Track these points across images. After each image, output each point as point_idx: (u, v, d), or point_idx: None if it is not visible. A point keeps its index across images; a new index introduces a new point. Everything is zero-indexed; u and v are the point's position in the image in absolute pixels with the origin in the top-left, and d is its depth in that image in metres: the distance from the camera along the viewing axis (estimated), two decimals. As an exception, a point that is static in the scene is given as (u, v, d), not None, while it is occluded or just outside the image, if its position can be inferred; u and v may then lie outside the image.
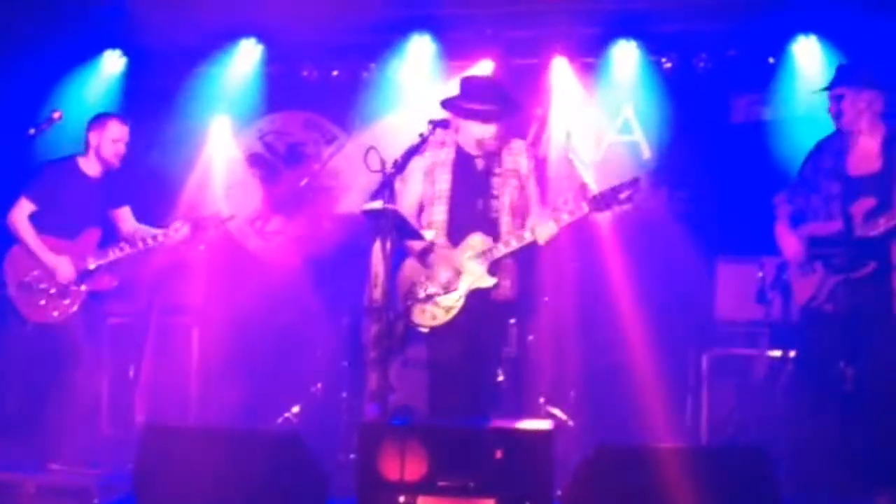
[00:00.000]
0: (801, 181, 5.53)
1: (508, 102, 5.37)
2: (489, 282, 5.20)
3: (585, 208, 5.11)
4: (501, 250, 5.19)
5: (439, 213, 5.34)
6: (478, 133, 5.26)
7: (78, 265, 5.98)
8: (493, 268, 5.22)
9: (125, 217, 6.22)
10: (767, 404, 6.20)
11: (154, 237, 6.11)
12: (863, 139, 5.31)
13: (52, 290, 5.96)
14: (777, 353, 6.31)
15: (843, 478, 5.10)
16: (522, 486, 4.25)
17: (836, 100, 5.34)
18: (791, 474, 5.08)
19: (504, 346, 5.84)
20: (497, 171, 5.29)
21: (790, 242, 5.45)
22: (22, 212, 5.99)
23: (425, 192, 5.36)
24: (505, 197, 5.27)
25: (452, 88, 5.60)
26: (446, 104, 5.29)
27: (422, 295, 5.24)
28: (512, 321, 6.11)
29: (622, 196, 5.09)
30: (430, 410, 5.41)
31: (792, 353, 6.13)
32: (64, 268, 5.95)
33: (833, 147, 5.40)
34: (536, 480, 4.27)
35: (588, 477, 4.25)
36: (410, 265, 5.32)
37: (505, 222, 5.26)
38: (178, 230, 6.12)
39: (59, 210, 6.01)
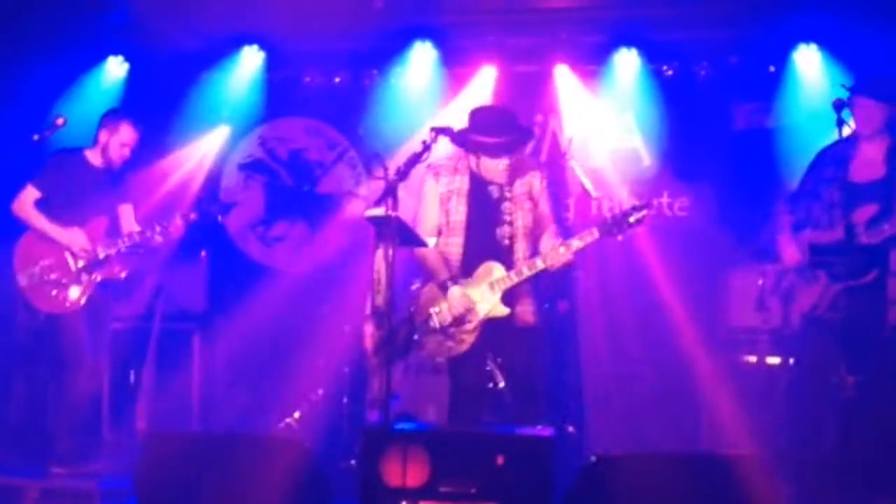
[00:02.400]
0: (802, 191, 5.55)
1: (519, 132, 5.30)
2: (503, 311, 5.18)
3: (596, 234, 5.05)
4: (514, 279, 5.15)
5: (455, 245, 5.30)
6: (490, 165, 5.24)
7: (89, 251, 6.00)
8: (508, 296, 5.19)
9: (127, 215, 6.23)
10: (768, 411, 6.21)
11: (153, 231, 6.07)
12: (868, 147, 5.32)
13: (63, 280, 5.97)
14: (777, 360, 6.31)
15: (844, 485, 5.11)
16: (523, 492, 4.27)
17: (852, 105, 5.34)
18: (792, 481, 5.09)
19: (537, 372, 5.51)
20: (509, 195, 5.25)
21: (791, 251, 5.47)
22: (27, 198, 6.00)
23: (440, 220, 5.33)
24: (518, 222, 5.23)
25: (457, 115, 5.54)
26: (456, 138, 5.22)
27: (436, 326, 5.23)
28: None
29: (633, 220, 5.02)
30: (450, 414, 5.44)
31: (791, 361, 6.15)
32: (79, 239, 5.97)
33: (835, 156, 5.42)
34: (537, 487, 4.28)
35: (588, 484, 4.26)
36: (429, 292, 5.29)
37: (519, 248, 5.22)
38: (177, 224, 6.10)
39: (66, 198, 6.02)
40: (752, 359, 6.48)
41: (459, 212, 5.30)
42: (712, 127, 7.49)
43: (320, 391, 7.04)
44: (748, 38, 7.29)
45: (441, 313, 5.22)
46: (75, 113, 6.36)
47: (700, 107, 7.47)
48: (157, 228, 6.08)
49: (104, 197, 6.12)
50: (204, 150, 8.06)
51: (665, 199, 7.62)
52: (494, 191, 5.28)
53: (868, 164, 5.30)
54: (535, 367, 5.31)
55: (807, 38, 7.17)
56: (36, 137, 5.93)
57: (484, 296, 5.19)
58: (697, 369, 6.71)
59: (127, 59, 7.91)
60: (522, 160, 5.37)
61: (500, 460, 4.29)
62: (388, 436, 4.38)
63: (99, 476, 5.77)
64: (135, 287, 6.91)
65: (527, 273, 5.13)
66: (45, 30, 7.25)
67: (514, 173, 5.27)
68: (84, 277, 5.99)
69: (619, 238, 5.04)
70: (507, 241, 5.22)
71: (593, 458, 4.30)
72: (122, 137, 6.12)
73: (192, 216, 6.18)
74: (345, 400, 6.79)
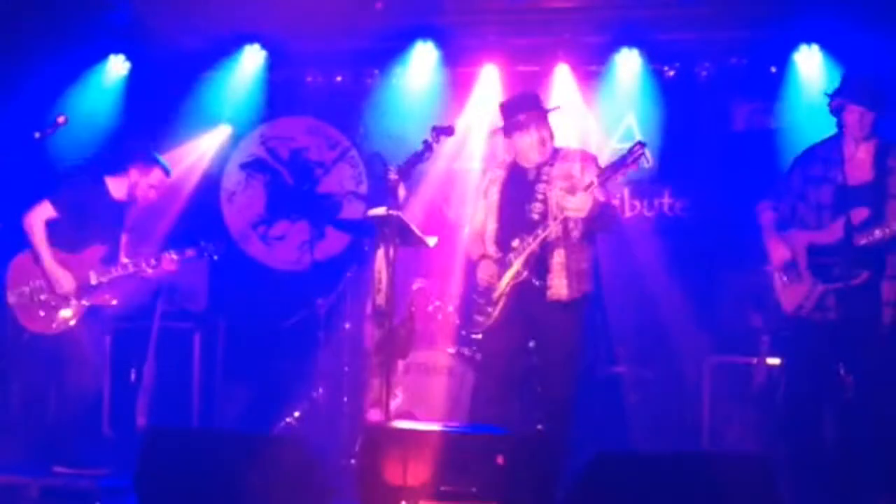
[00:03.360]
0: (786, 188, 5.53)
1: (541, 108, 5.46)
2: (523, 273, 5.24)
3: (597, 171, 5.18)
4: (537, 237, 5.21)
5: (491, 224, 5.47)
6: (524, 145, 5.38)
7: (80, 279, 6.00)
8: (540, 269, 5.25)
9: (125, 243, 6.28)
10: (766, 411, 6.21)
11: (148, 264, 6.10)
12: (857, 149, 5.30)
13: (53, 303, 5.98)
14: (776, 360, 6.32)
15: (842, 485, 5.11)
16: (524, 491, 4.27)
17: (843, 110, 5.34)
18: (791, 481, 5.09)
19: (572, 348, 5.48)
20: (545, 177, 5.35)
21: (778, 250, 5.45)
22: (41, 214, 6.00)
23: (481, 207, 5.54)
24: (551, 200, 5.28)
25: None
26: (496, 132, 5.52)
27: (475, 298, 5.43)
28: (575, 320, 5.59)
29: (630, 160, 5.08)
30: (471, 409, 5.51)
31: (780, 361, 6.16)
32: (65, 282, 5.97)
33: (823, 155, 5.39)
34: (538, 486, 4.28)
35: (589, 483, 4.26)
36: (485, 265, 5.46)
37: (550, 222, 5.27)
38: (171, 261, 6.13)
39: (76, 223, 6.04)
40: (753, 359, 6.47)
41: (493, 192, 5.50)
42: (713, 127, 7.50)
43: (320, 390, 7.05)
44: (749, 38, 7.30)
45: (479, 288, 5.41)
46: (77, 111, 6.38)
47: (701, 107, 7.47)
48: (152, 262, 6.11)
49: (111, 228, 6.16)
50: (203, 148, 8.06)
51: (666, 200, 7.62)
52: (531, 174, 5.42)
53: (858, 166, 5.28)
54: (565, 344, 5.31)
55: (808, 39, 7.17)
56: (37, 135, 5.91)
57: (509, 265, 5.29)
58: (698, 369, 6.72)
59: (128, 57, 7.91)
60: (566, 150, 5.49)
61: (500, 459, 4.29)
62: (389, 435, 4.38)
63: (99, 474, 5.77)
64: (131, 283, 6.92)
65: (550, 229, 5.19)
66: (47, 28, 7.25)
67: (554, 158, 5.39)
68: (73, 302, 6.00)
69: (620, 178, 5.20)
70: (536, 216, 5.29)
71: (593, 458, 4.30)
72: (153, 180, 6.19)
73: (189, 253, 6.19)
74: (345, 399, 6.80)
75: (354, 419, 6.53)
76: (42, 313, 5.98)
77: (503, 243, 5.38)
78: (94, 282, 6.03)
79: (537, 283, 5.25)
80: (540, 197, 5.32)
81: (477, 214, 5.58)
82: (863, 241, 5.12)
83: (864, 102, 5.26)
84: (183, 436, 4.86)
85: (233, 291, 7.81)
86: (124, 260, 6.16)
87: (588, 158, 5.43)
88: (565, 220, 5.22)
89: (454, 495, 4.27)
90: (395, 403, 6.07)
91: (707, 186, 7.39)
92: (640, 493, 4.17)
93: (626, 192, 7.66)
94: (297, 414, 6.98)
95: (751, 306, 6.60)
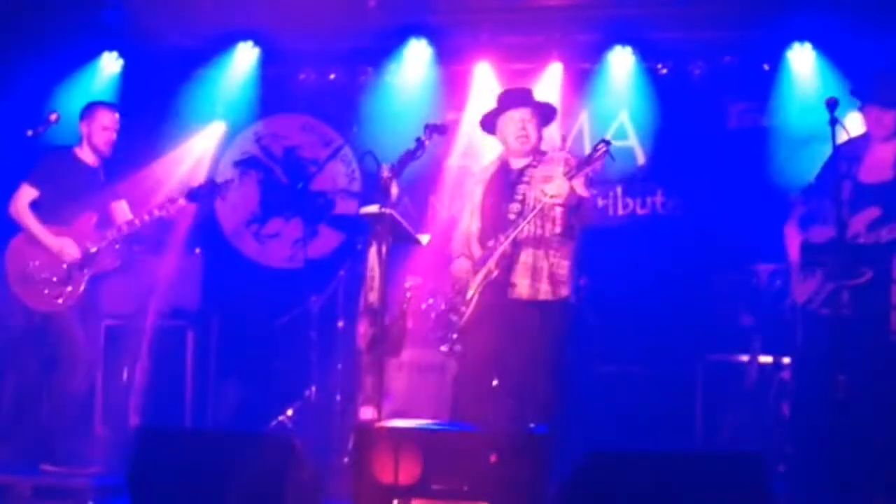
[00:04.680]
0: (818, 184, 5.51)
1: (533, 101, 5.51)
2: (494, 271, 5.25)
3: (575, 164, 5.20)
4: (508, 237, 5.22)
5: (475, 224, 5.53)
6: (511, 130, 5.41)
7: (79, 248, 5.98)
8: (507, 269, 5.26)
9: (121, 211, 6.23)
10: (760, 410, 6.22)
11: (150, 212, 6.07)
12: (880, 148, 5.28)
13: (54, 278, 5.96)
14: (769, 359, 6.32)
15: (839, 484, 5.10)
16: (516, 490, 4.27)
17: (862, 112, 5.34)
18: (786, 480, 5.10)
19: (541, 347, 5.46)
20: (526, 178, 5.37)
21: (795, 244, 5.44)
22: (24, 198, 5.99)
23: (468, 205, 5.59)
24: (529, 200, 5.30)
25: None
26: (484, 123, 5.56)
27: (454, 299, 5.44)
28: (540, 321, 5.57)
29: (595, 157, 5.06)
30: (452, 408, 5.56)
31: (786, 359, 6.15)
32: (69, 248, 5.95)
33: (847, 153, 5.35)
34: (530, 485, 4.28)
35: (581, 482, 4.26)
36: (459, 263, 5.51)
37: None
38: (174, 202, 6.10)
39: (57, 196, 6.01)
40: (745, 357, 6.48)
41: (477, 193, 5.56)
42: (706, 125, 7.50)
43: (313, 388, 7.05)
44: (742, 37, 7.31)
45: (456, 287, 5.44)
46: (69, 109, 6.35)
47: (694, 105, 7.48)
48: (155, 212, 6.07)
49: (94, 194, 6.11)
50: (201, 148, 8.04)
51: (659, 198, 7.63)
52: (514, 174, 5.45)
53: (877, 165, 5.24)
54: (525, 345, 5.27)
55: (801, 38, 7.18)
56: (30, 133, 5.92)
57: (484, 264, 5.31)
58: (691, 368, 6.72)
59: (121, 55, 7.89)
60: (552, 154, 5.52)
61: (492, 458, 4.29)
62: (381, 433, 4.38)
63: (92, 473, 5.76)
64: (129, 281, 6.92)
65: (523, 224, 5.19)
66: (40, 25, 7.23)
67: (536, 162, 5.42)
68: (76, 274, 5.98)
69: (589, 172, 5.16)
70: (513, 216, 5.31)
71: (586, 457, 4.30)
72: (102, 121, 6.11)
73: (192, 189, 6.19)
74: (337, 397, 6.80)
75: (347, 418, 6.53)
76: (46, 291, 5.96)
77: (485, 243, 5.41)
78: (92, 250, 6.00)
79: (503, 279, 5.25)
80: (518, 197, 5.34)
81: (465, 214, 5.64)
82: (866, 241, 5.09)
83: (880, 102, 5.25)
84: (175, 435, 4.85)
85: (226, 289, 7.80)
86: (122, 220, 6.13)
87: (571, 162, 5.39)
88: (543, 218, 5.22)
89: (446, 494, 4.27)
90: (388, 402, 6.07)
91: (700, 185, 7.39)
92: (633, 493, 4.17)
93: (618, 190, 7.67)
94: (289, 412, 6.99)
95: (744, 305, 6.60)
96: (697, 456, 5.23)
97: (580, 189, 5.16)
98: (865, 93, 5.35)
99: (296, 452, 4.45)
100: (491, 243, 5.33)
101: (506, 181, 5.47)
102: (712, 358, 6.68)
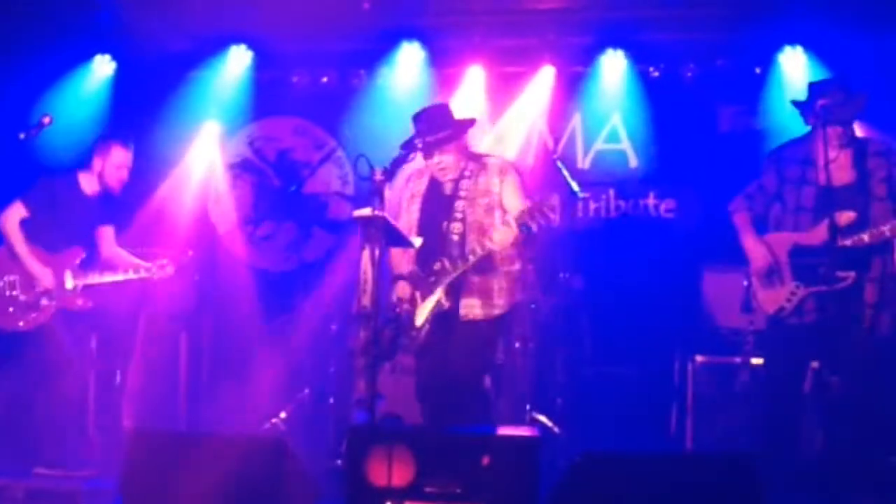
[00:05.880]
0: (760, 189, 5.51)
1: (448, 127, 5.25)
2: (445, 304, 5.17)
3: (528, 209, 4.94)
4: (458, 268, 5.12)
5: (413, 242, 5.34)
6: (433, 165, 5.28)
7: (57, 279, 5.97)
8: (455, 290, 5.18)
9: (107, 237, 6.22)
10: (751, 411, 6.23)
11: (136, 269, 6.08)
12: (832, 151, 5.20)
13: (23, 299, 5.96)
14: (759, 360, 6.34)
15: (824, 485, 5.13)
16: (508, 492, 4.28)
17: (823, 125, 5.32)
18: (774, 481, 5.11)
19: (487, 362, 5.53)
20: (463, 193, 5.25)
21: (759, 251, 5.41)
22: (14, 215, 5.97)
23: (405, 221, 5.39)
24: (470, 217, 5.20)
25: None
26: (406, 146, 5.16)
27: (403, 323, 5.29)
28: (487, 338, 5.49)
29: (545, 209, 4.89)
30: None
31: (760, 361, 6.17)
32: (46, 278, 5.94)
33: (798, 156, 5.36)
34: (522, 487, 4.29)
35: (573, 483, 4.27)
36: (402, 286, 5.34)
37: (470, 241, 5.17)
38: (164, 268, 6.11)
39: (50, 223, 6.00)
40: (737, 360, 6.50)
41: (413, 211, 5.39)
42: (698, 128, 7.53)
43: (306, 391, 7.06)
44: (734, 40, 7.34)
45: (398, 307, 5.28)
46: (62, 112, 6.36)
47: (686, 108, 7.51)
48: (140, 269, 6.07)
49: (87, 227, 6.12)
50: (197, 149, 8.03)
51: (651, 201, 7.65)
52: (448, 189, 5.31)
53: (837, 167, 5.19)
54: (473, 364, 5.25)
55: (792, 41, 7.22)
56: (22, 136, 5.90)
57: (431, 290, 5.20)
58: (682, 369, 6.73)
59: (114, 57, 7.90)
60: (486, 160, 5.35)
61: (485, 460, 4.30)
62: (374, 436, 4.38)
63: (84, 476, 5.75)
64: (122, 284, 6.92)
65: (472, 259, 5.08)
66: (32, 27, 7.23)
67: (471, 172, 5.28)
68: (44, 302, 5.97)
69: (541, 221, 4.87)
70: (456, 237, 5.21)
71: (578, 458, 4.32)
72: (116, 160, 6.09)
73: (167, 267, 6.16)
74: (331, 400, 6.80)
75: (340, 420, 6.54)
76: (11, 309, 5.96)
77: (424, 263, 5.27)
78: (69, 285, 5.99)
79: (455, 308, 5.19)
80: (459, 216, 5.23)
81: (401, 222, 5.36)
82: (849, 244, 5.09)
83: (842, 122, 5.23)
84: (168, 438, 4.85)
85: (219, 292, 7.80)
86: (107, 253, 6.12)
87: (506, 170, 5.29)
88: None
89: (439, 496, 4.28)
90: (381, 405, 6.08)
91: (692, 187, 7.42)
92: (625, 493, 4.19)
93: (611, 192, 7.69)
94: (283, 415, 6.99)
95: (735, 307, 6.61)
96: (688, 457, 5.26)
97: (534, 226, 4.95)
98: (811, 112, 5.30)
99: (289, 455, 4.46)
100: (437, 266, 5.19)
101: (441, 196, 5.32)
102: (703, 360, 6.69)
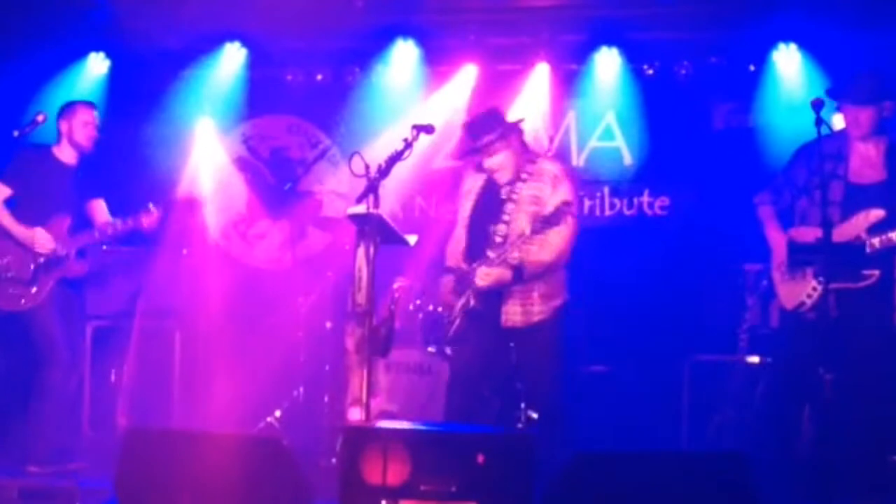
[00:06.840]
0: (787, 182, 5.44)
1: (496, 129, 5.35)
2: (471, 303, 5.28)
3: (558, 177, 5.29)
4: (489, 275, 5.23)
5: (460, 237, 5.50)
6: (487, 167, 5.38)
7: (50, 250, 5.95)
8: (497, 294, 5.27)
9: (99, 209, 6.19)
10: (747, 410, 6.24)
11: (125, 221, 6.08)
12: (863, 147, 5.22)
13: (21, 278, 5.92)
14: (756, 358, 6.35)
15: (822, 484, 5.12)
16: (504, 490, 4.28)
17: (840, 111, 5.31)
18: (770, 480, 5.11)
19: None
20: (515, 196, 5.33)
21: (782, 245, 5.35)
22: None
23: (460, 216, 5.55)
24: (516, 223, 5.26)
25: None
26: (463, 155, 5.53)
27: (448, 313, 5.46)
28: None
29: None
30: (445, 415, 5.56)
31: (769, 359, 6.15)
32: (40, 237, 5.92)
33: (830, 150, 5.22)
34: (518, 485, 4.29)
35: (568, 482, 4.28)
36: (445, 283, 5.50)
37: (510, 245, 5.23)
38: (150, 214, 6.10)
39: (31, 196, 5.98)
40: (732, 358, 6.51)
41: (467, 207, 5.51)
42: (693, 126, 7.53)
43: (301, 389, 7.05)
44: (728, 37, 7.33)
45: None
46: (56, 110, 6.33)
47: (680, 106, 7.50)
48: (129, 220, 6.06)
49: (69, 195, 6.08)
50: (194, 152, 8.03)
51: (646, 199, 7.66)
52: (504, 192, 5.38)
53: (868, 164, 5.18)
54: (516, 369, 5.33)
55: (786, 38, 7.21)
56: (16, 134, 5.90)
57: (466, 287, 5.32)
58: (678, 367, 6.75)
59: (108, 55, 7.89)
60: (541, 165, 5.42)
61: (480, 459, 4.30)
62: (369, 434, 4.38)
63: (79, 474, 5.75)
64: (112, 282, 6.91)
65: (496, 260, 5.21)
66: (26, 25, 7.22)
67: (527, 175, 5.36)
68: (42, 276, 5.95)
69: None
70: (499, 239, 5.28)
71: (574, 457, 4.32)
72: (82, 118, 6.09)
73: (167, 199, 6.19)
74: (326, 398, 6.80)
75: (335, 419, 6.53)
76: (11, 290, 5.94)
77: (470, 261, 5.39)
78: (61, 252, 5.96)
79: (487, 310, 5.28)
80: (506, 218, 5.31)
81: (458, 227, 5.56)
82: (877, 244, 5.02)
83: (855, 100, 5.21)
84: (163, 436, 4.84)
85: (213, 290, 7.79)
86: (100, 221, 6.11)
87: (559, 180, 5.35)
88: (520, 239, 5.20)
89: (434, 494, 4.28)
90: (376, 403, 6.08)
91: (687, 185, 7.43)
92: (620, 493, 4.20)
93: (605, 190, 7.69)
94: (277, 413, 6.99)
95: (731, 305, 6.63)
96: (684, 455, 5.26)
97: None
98: (840, 92, 5.29)
99: (284, 453, 4.46)
100: (476, 264, 5.30)
101: (495, 197, 5.41)
102: (699, 358, 6.70)
